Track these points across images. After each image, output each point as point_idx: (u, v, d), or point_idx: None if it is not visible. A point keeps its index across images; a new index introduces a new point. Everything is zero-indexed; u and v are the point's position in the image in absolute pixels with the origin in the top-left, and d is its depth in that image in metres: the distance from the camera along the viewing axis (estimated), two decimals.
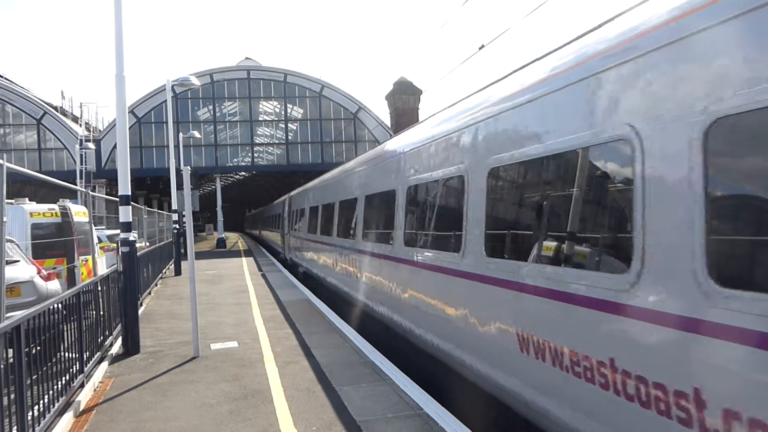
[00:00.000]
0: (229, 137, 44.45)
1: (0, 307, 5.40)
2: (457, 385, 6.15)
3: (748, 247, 2.83)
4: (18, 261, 8.45)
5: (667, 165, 3.16)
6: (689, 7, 3.13)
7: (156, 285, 16.86)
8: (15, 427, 4.42)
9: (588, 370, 3.76)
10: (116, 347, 8.74)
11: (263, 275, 19.72)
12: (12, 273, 7.81)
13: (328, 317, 11.06)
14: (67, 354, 6.06)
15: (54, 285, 8.86)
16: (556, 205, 4.50)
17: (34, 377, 4.88)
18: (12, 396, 4.42)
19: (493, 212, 5.37)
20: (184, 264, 20.32)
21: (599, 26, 4.25)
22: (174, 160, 22.30)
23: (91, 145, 36.10)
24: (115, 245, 13.30)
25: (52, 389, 5.36)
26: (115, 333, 8.84)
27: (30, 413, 4.68)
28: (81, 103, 45.17)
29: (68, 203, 11.75)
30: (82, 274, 11.34)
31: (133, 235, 8.88)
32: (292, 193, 24.16)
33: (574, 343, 3.91)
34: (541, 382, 4.35)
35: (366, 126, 44.19)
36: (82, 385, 6.43)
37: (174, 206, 22.51)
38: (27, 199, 11.63)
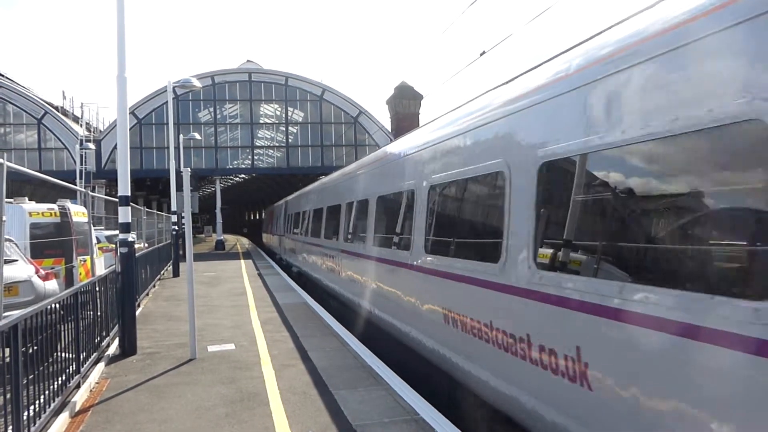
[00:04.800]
0: (229, 139, 44.45)
1: None
2: (454, 390, 6.14)
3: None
4: (16, 260, 8.45)
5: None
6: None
7: (154, 286, 16.85)
8: (10, 427, 4.41)
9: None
10: (113, 348, 8.74)
11: (261, 278, 19.72)
12: (10, 272, 7.82)
13: (326, 321, 11.06)
14: (63, 354, 6.06)
15: (52, 285, 8.86)
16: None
17: (30, 377, 4.88)
18: (8, 395, 4.42)
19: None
20: (182, 265, 20.31)
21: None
22: (174, 162, 22.31)
23: (92, 146, 36.09)
24: (113, 246, 13.30)
25: (48, 389, 5.35)
26: (112, 334, 8.84)
27: (26, 413, 4.69)
28: (82, 104, 45.38)
29: (67, 203, 11.76)
30: (80, 274, 11.34)
31: (131, 236, 8.89)
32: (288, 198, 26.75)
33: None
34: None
35: (367, 130, 44.25)
36: (78, 386, 6.42)
37: (173, 207, 22.53)
38: (26, 198, 11.65)
